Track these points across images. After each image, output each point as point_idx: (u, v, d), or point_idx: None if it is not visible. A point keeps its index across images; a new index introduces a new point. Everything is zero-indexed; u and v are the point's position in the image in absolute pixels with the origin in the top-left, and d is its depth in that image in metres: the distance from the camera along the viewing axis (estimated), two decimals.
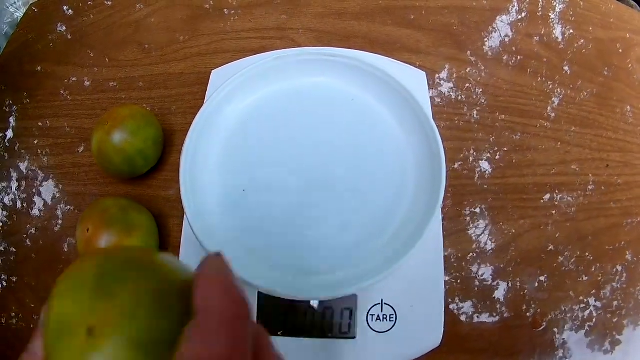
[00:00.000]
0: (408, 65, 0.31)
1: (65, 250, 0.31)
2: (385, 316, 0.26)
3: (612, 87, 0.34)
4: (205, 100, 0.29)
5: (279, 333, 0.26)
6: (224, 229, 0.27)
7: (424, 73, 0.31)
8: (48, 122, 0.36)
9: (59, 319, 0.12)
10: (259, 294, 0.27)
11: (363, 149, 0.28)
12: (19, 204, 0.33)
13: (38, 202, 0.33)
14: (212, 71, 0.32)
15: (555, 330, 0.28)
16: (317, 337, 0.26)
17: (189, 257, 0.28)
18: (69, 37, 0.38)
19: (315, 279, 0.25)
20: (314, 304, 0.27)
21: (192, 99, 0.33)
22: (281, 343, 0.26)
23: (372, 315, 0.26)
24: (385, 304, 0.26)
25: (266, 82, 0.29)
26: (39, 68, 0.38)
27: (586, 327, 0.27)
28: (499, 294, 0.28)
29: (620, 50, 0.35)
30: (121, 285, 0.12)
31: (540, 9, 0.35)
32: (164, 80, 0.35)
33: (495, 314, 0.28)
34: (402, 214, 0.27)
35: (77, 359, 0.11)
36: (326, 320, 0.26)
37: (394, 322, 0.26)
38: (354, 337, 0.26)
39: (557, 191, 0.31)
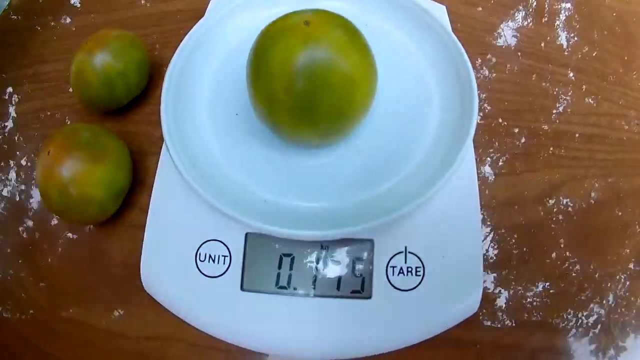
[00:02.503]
0: None
1: (61, 243, 0.24)
2: (410, 269, 0.18)
3: (636, 53, 0.28)
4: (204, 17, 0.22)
5: (272, 290, 0.18)
6: (210, 158, 0.19)
7: (444, 6, 0.25)
8: (46, 104, 0.29)
9: (280, 26, 0.17)
10: (248, 238, 0.18)
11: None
12: (17, 196, 0.27)
13: (35, 195, 0.27)
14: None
15: (559, 336, 0.21)
16: (322, 297, 0.18)
17: (163, 194, 0.20)
18: None
19: (319, 215, 0.17)
20: (313, 255, 0.18)
21: (186, 34, 0.27)
22: (276, 303, 0.18)
23: (393, 267, 0.18)
24: (409, 252, 0.18)
25: (275, 3, 0.23)
26: (34, 25, 0.31)
27: (590, 334, 0.21)
28: (501, 301, 0.21)
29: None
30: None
31: None
32: (159, 18, 0.29)
33: (496, 322, 0.21)
34: (428, 141, 0.20)
35: (301, 39, 0.16)
36: (333, 275, 0.18)
37: (421, 277, 0.18)
38: (369, 297, 0.18)
39: (591, 142, 0.24)
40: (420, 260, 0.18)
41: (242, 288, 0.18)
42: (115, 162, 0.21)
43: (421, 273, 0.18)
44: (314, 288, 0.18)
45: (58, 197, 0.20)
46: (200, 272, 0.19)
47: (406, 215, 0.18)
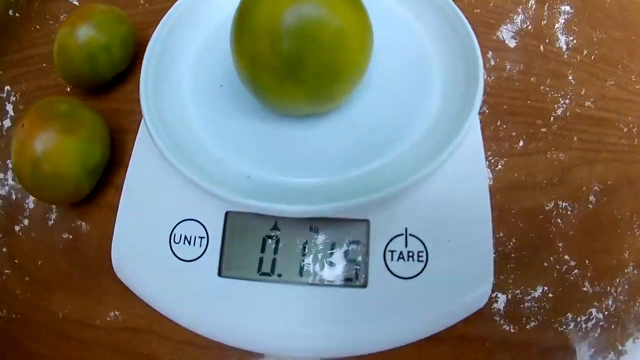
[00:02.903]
0: None
1: (55, 241, 0.22)
2: (411, 254, 0.15)
3: (638, 41, 0.26)
4: None
5: (254, 277, 0.15)
6: (191, 131, 0.17)
7: None
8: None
9: None
10: (228, 218, 0.16)
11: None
12: (13, 195, 0.25)
13: (29, 200, 0.25)
14: None
15: (559, 340, 0.18)
16: (310, 285, 0.15)
17: (139, 171, 0.17)
18: None
19: (308, 192, 0.15)
20: (300, 238, 0.15)
21: None
22: (257, 291, 0.15)
23: (392, 252, 0.15)
24: (410, 235, 0.15)
25: None
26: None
27: (590, 338, 0.19)
28: (499, 305, 0.18)
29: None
30: None
31: None
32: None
33: (494, 326, 0.18)
34: (429, 115, 0.17)
35: None
36: (323, 260, 0.15)
37: (423, 263, 0.15)
38: (364, 286, 0.15)
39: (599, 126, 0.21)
40: (423, 243, 0.15)
41: (219, 274, 0.15)
42: (91, 135, 0.19)
43: (424, 259, 0.15)
44: (301, 275, 0.15)
45: (30, 172, 0.18)
46: (174, 254, 0.16)
47: (406, 192, 0.15)
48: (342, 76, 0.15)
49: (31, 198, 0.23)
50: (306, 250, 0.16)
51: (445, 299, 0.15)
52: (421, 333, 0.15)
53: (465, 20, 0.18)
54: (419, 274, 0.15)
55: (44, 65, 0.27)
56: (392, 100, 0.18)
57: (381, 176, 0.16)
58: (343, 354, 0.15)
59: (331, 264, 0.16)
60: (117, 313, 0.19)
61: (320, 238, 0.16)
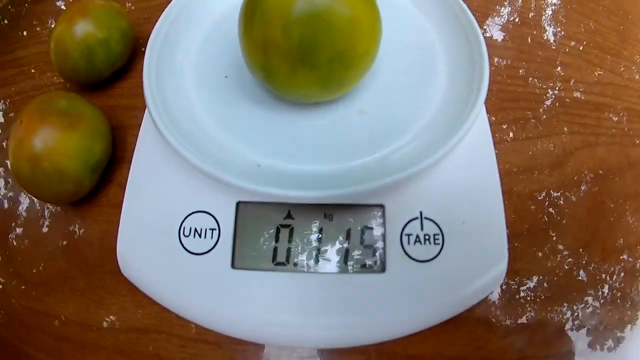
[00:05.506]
0: None
1: (49, 250, 0.20)
2: (427, 237, 0.14)
3: (630, 28, 0.26)
4: None
5: (269, 267, 0.14)
6: (197, 122, 0.16)
7: None
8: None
9: None
10: (239, 208, 0.15)
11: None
12: (5, 203, 0.23)
13: (24, 202, 0.23)
14: None
15: (556, 330, 0.18)
16: (327, 273, 0.14)
17: (143, 165, 0.16)
18: None
19: (321, 178, 0.14)
20: (315, 226, 0.15)
21: None
22: (273, 282, 0.14)
23: (409, 235, 0.14)
24: (426, 218, 0.15)
25: None
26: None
27: (587, 326, 0.18)
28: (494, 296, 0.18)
29: None
30: None
31: None
32: None
33: (490, 317, 0.18)
34: (437, 100, 0.16)
35: None
36: (339, 247, 0.14)
37: (440, 246, 0.14)
38: (382, 271, 0.14)
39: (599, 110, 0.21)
40: (438, 226, 0.15)
41: (233, 266, 0.14)
42: (91, 131, 0.17)
43: (440, 241, 0.15)
44: (318, 263, 0.15)
45: (29, 170, 0.17)
46: (185, 248, 0.15)
47: (420, 175, 0.14)
48: (354, 63, 0.14)
49: (27, 198, 0.21)
50: (322, 237, 0.15)
51: (463, 280, 0.14)
52: (441, 316, 0.14)
53: (465, 7, 0.18)
54: (436, 256, 0.15)
55: (39, 65, 0.26)
56: (399, 87, 0.17)
57: (395, 161, 0.15)
58: (363, 341, 0.15)
59: (348, 250, 0.15)
60: (122, 313, 0.17)
61: (336, 225, 0.15)
